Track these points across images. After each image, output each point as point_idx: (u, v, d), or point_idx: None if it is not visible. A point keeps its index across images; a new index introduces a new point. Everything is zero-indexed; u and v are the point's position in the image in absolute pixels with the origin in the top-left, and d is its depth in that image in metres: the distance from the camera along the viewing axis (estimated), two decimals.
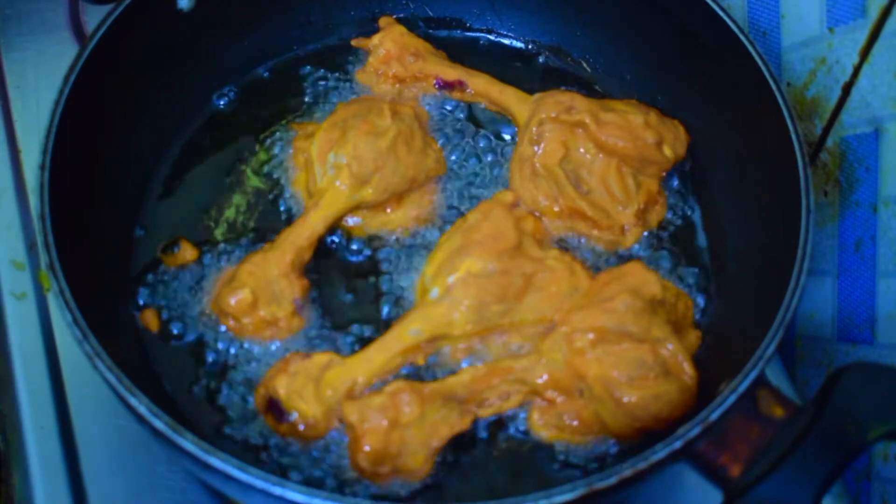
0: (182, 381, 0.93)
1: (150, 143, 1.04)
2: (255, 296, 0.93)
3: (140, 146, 1.03)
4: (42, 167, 0.86)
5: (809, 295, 1.10)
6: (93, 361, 0.78)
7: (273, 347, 0.94)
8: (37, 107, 1.18)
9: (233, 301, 0.92)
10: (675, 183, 1.07)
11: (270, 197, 1.04)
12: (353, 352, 0.92)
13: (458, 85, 1.10)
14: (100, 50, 0.94)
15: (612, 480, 0.74)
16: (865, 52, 0.96)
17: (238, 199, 1.04)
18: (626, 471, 0.75)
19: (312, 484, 0.85)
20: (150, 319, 0.95)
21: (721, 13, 0.99)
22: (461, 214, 1.02)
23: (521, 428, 0.91)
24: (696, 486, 0.87)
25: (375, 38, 1.11)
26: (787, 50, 1.06)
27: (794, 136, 0.91)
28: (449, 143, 1.08)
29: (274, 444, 0.89)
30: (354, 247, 1.01)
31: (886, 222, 0.99)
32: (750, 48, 0.97)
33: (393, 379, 0.90)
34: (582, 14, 1.14)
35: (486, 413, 0.90)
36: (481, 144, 1.09)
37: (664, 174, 1.05)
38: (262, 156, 1.07)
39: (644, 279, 0.92)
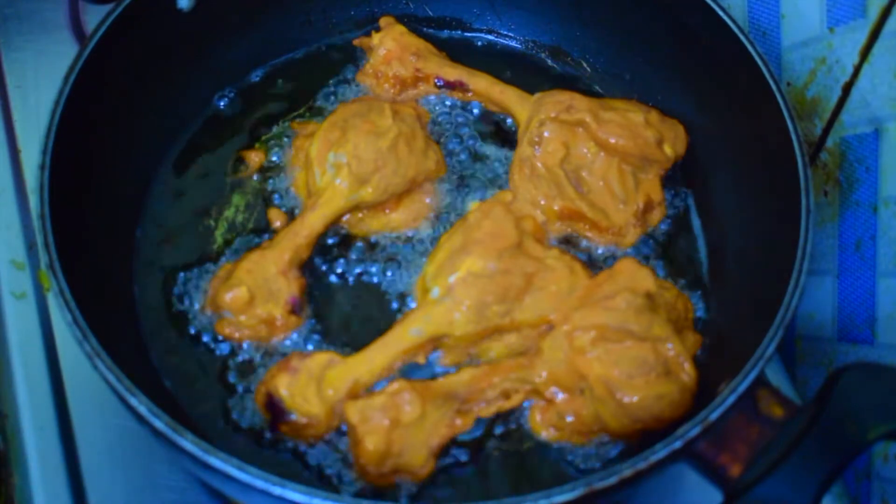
0: (182, 381, 0.93)
1: (150, 143, 1.04)
2: (252, 294, 0.93)
3: (140, 146, 1.03)
4: (42, 167, 0.86)
5: (809, 295, 1.10)
6: (93, 361, 0.78)
7: (271, 346, 0.94)
8: (37, 107, 1.18)
9: (229, 298, 0.92)
10: (675, 183, 1.07)
11: (270, 197, 1.04)
12: (352, 351, 0.92)
13: (458, 85, 1.10)
14: (100, 50, 0.94)
15: (612, 480, 0.74)
16: (865, 52, 0.96)
17: (238, 199, 1.04)
18: (626, 471, 0.75)
19: (312, 483, 0.85)
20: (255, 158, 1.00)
21: (721, 13, 0.99)
22: (461, 215, 1.02)
23: (522, 428, 0.91)
24: (696, 486, 0.87)
25: (376, 38, 1.11)
26: (787, 50, 1.06)
27: (794, 136, 0.91)
28: (449, 144, 1.08)
29: (275, 443, 0.89)
30: (353, 246, 1.01)
31: (886, 222, 0.99)
32: (750, 48, 0.97)
33: (394, 378, 0.90)
34: (582, 14, 1.14)
35: (487, 412, 0.90)
36: (481, 145, 1.09)
37: (664, 174, 1.05)
38: (261, 154, 1.07)
39: (637, 275, 0.92)
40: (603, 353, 0.88)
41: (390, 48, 1.10)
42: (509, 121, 1.10)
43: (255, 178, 1.05)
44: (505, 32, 1.19)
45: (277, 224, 1.01)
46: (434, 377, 0.92)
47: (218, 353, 0.94)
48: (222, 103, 1.11)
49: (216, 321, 0.94)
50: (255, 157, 1.06)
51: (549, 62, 1.18)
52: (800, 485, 0.75)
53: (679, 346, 0.88)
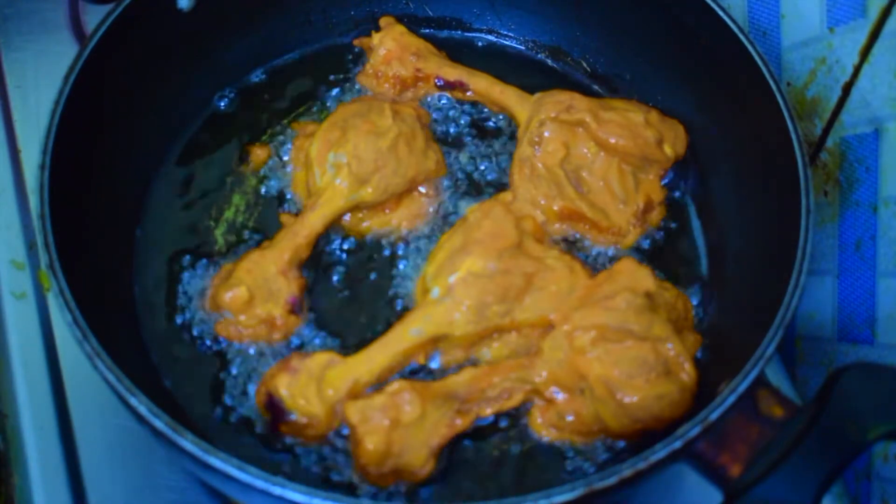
0: (182, 381, 0.93)
1: (150, 143, 1.04)
2: (252, 293, 0.93)
3: (140, 146, 1.03)
4: (42, 167, 0.86)
5: (809, 295, 1.10)
6: (93, 361, 0.78)
7: (271, 346, 0.94)
8: (37, 107, 1.18)
9: (228, 298, 0.92)
10: (675, 183, 1.07)
11: (270, 197, 1.04)
12: (353, 351, 0.92)
13: (458, 85, 1.10)
14: (100, 50, 0.94)
15: (612, 480, 0.74)
16: (865, 52, 0.96)
17: (238, 199, 1.04)
18: (626, 471, 0.75)
19: (312, 483, 0.85)
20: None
21: (721, 13, 0.99)
22: (461, 215, 1.02)
23: (522, 428, 0.91)
24: (696, 486, 0.87)
25: (376, 38, 1.11)
26: (787, 50, 1.06)
27: (794, 136, 0.91)
28: (449, 144, 1.08)
29: (275, 443, 0.89)
30: (353, 247, 1.01)
31: (886, 222, 0.99)
32: (750, 48, 0.97)
33: (394, 378, 0.90)
34: (582, 14, 1.14)
35: (487, 412, 0.90)
36: (482, 145, 1.09)
37: (663, 174, 1.05)
38: (262, 156, 1.07)
39: (637, 275, 0.92)
40: (603, 353, 0.88)
41: (390, 48, 1.10)
42: (510, 121, 1.10)
43: (255, 178, 1.05)
44: (505, 32, 1.19)
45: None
46: (434, 377, 0.92)
47: (218, 353, 0.94)
48: (222, 103, 1.11)
49: (216, 321, 0.94)
50: (259, 153, 1.06)
51: (549, 62, 1.18)
52: (800, 485, 0.75)
53: (679, 345, 0.88)
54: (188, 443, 0.74)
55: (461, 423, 0.88)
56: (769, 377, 0.83)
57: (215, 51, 1.09)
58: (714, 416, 0.77)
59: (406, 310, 0.96)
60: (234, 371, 0.93)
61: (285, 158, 1.06)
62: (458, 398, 0.89)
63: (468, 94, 1.11)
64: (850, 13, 0.96)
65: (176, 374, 0.93)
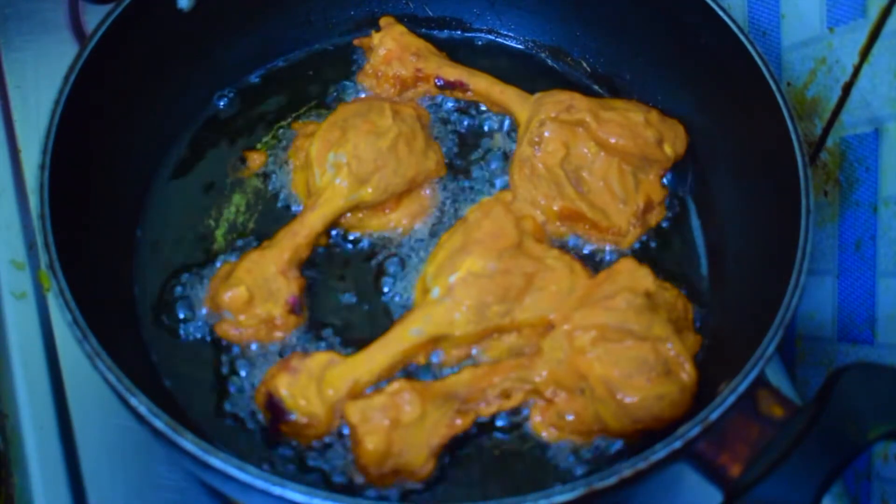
0: (182, 381, 0.93)
1: (150, 143, 1.04)
2: (251, 293, 0.93)
3: (140, 146, 1.03)
4: (42, 167, 0.86)
5: (809, 295, 1.10)
6: (93, 361, 0.78)
7: (271, 346, 0.94)
8: (37, 107, 1.19)
9: (228, 297, 0.92)
10: (675, 183, 1.07)
11: (270, 197, 1.04)
12: (353, 351, 0.92)
13: (458, 85, 1.10)
14: (100, 50, 0.94)
15: (612, 480, 0.74)
16: (865, 52, 0.96)
17: (238, 199, 1.04)
18: (626, 471, 0.75)
19: (312, 483, 0.85)
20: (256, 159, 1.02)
21: (721, 13, 0.99)
22: (461, 215, 1.02)
23: (522, 428, 0.91)
24: (696, 486, 0.87)
25: (376, 38, 1.11)
26: (787, 50, 1.06)
27: (794, 136, 0.91)
28: (449, 144, 1.08)
29: (275, 443, 0.89)
30: (353, 246, 1.01)
31: (886, 222, 0.99)
32: (750, 48, 0.97)
33: (394, 378, 0.90)
34: (582, 14, 1.14)
35: (487, 412, 0.90)
36: (481, 145, 1.09)
37: (664, 174, 1.05)
38: (263, 156, 1.07)
39: (636, 275, 0.92)
40: (603, 353, 0.88)
41: (390, 48, 1.10)
42: (510, 121, 1.10)
43: (255, 178, 1.05)
44: (505, 32, 1.19)
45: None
46: (434, 377, 0.92)
47: (218, 353, 0.94)
48: (222, 103, 1.11)
49: (216, 321, 0.94)
50: (256, 158, 1.06)
51: (549, 62, 1.18)
52: (800, 485, 0.75)
53: (679, 345, 0.88)
54: (188, 443, 0.74)
55: (461, 423, 0.88)
56: (769, 377, 0.83)
57: (215, 51, 1.09)
58: (714, 416, 0.77)
59: (406, 310, 0.96)
60: (233, 371, 0.93)
61: (285, 158, 1.06)
62: (458, 398, 0.89)
63: (468, 94, 1.11)
64: (850, 13, 0.96)
65: (176, 374, 0.93)
